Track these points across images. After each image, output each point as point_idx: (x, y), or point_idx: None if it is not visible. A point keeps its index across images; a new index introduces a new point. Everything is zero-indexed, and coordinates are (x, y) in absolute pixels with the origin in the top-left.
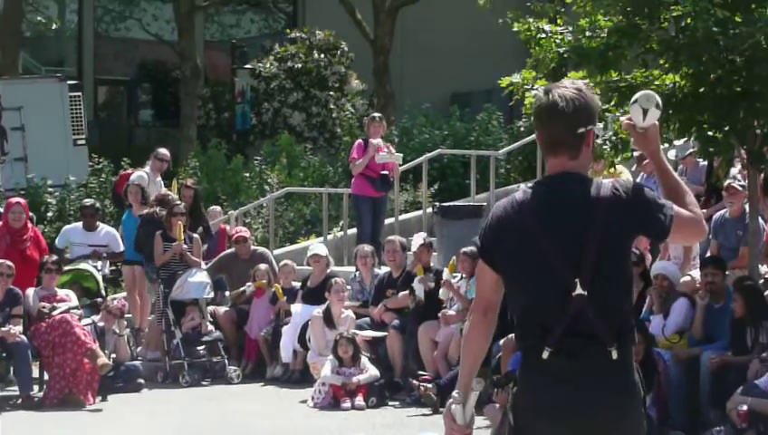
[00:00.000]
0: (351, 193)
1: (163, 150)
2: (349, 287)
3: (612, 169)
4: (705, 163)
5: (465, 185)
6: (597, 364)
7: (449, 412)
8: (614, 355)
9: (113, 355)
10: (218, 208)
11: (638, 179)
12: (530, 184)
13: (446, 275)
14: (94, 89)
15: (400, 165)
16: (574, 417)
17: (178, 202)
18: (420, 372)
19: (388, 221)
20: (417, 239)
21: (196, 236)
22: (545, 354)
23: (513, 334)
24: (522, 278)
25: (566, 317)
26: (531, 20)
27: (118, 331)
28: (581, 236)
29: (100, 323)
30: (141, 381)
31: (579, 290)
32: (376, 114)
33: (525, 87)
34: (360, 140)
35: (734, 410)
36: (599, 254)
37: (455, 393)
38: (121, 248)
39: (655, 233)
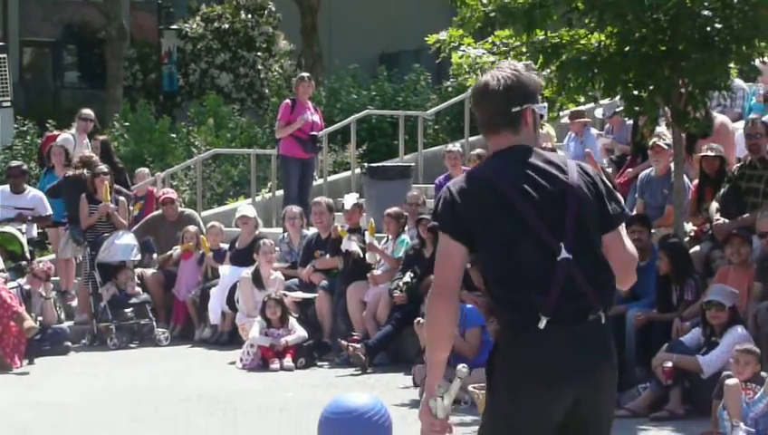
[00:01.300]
0: (279, 154)
1: (86, 111)
2: (277, 249)
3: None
4: (631, 122)
5: (393, 145)
6: (591, 329)
7: (426, 408)
8: (602, 320)
9: (40, 318)
10: (146, 171)
11: (565, 140)
12: (475, 163)
13: (367, 238)
14: (19, 50)
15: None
16: (578, 382)
17: (101, 164)
18: (349, 336)
19: (316, 182)
20: (350, 199)
21: (122, 198)
22: (542, 323)
23: (497, 310)
24: (506, 247)
25: (557, 283)
26: None
27: (44, 294)
28: (560, 202)
29: (27, 287)
30: (68, 344)
31: (564, 254)
32: (304, 74)
33: (452, 45)
34: (287, 101)
35: (659, 366)
36: (577, 219)
37: (436, 387)
38: (48, 211)
39: (607, 225)
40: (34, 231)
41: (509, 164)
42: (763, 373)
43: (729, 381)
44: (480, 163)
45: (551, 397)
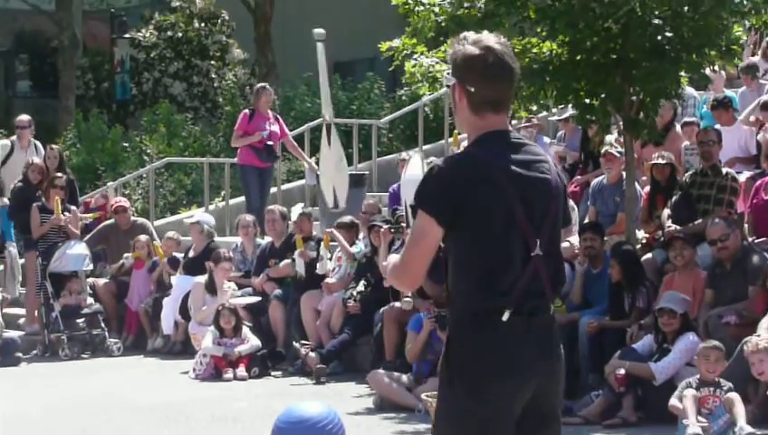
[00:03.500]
0: (238, 163)
1: (21, 117)
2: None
3: None
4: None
5: (347, 154)
6: (546, 321)
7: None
8: (551, 310)
9: None
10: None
11: None
12: (470, 143)
13: (322, 250)
14: None
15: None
16: (540, 373)
17: (58, 175)
18: (303, 342)
19: (271, 191)
20: (297, 209)
21: (73, 207)
22: (506, 316)
23: (456, 300)
24: (491, 237)
25: (526, 278)
26: None
27: None
28: (544, 199)
29: None
30: (20, 354)
31: (537, 250)
32: (264, 84)
33: (405, 53)
34: (246, 111)
35: (612, 373)
36: (553, 217)
37: None
38: None
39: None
40: None
41: (502, 149)
42: (718, 379)
43: (687, 392)
44: (471, 145)
45: (513, 388)
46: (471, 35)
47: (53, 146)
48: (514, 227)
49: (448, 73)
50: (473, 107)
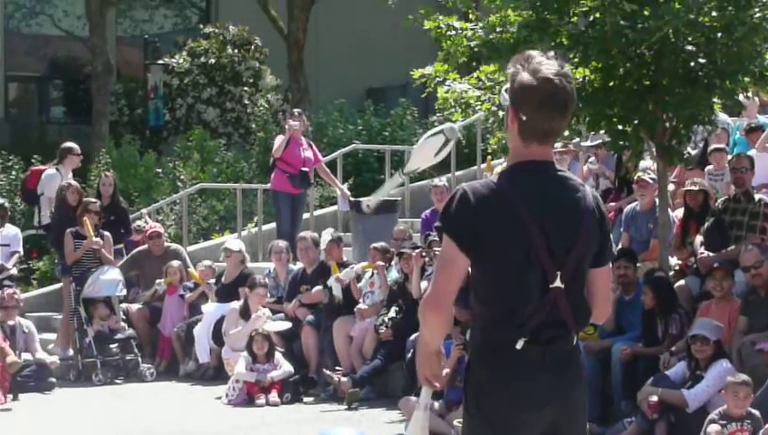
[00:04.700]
0: (270, 189)
1: (73, 144)
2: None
3: None
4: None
5: (379, 180)
6: (565, 350)
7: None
8: (574, 341)
9: (25, 354)
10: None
11: None
12: (503, 169)
13: (331, 280)
14: (5, 85)
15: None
16: (556, 403)
17: (93, 200)
18: (336, 368)
19: (303, 217)
20: (326, 235)
21: (107, 233)
22: (519, 344)
23: (474, 327)
24: (509, 268)
25: (542, 309)
26: (441, 18)
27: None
28: (571, 235)
29: (10, 322)
30: (53, 380)
31: (557, 283)
32: (296, 110)
33: (438, 80)
34: (281, 136)
35: (644, 400)
36: (580, 256)
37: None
38: (18, 250)
39: (600, 260)
40: (10, 266)
41: (531, 180)
42: (750, 410)
43: (711, 428)
44: (501, 173)
45: (530, 420)
46: (535, 58)
47: (108, 173)
48: (533, 259)
49: (506, 90)
50: (522, 134)
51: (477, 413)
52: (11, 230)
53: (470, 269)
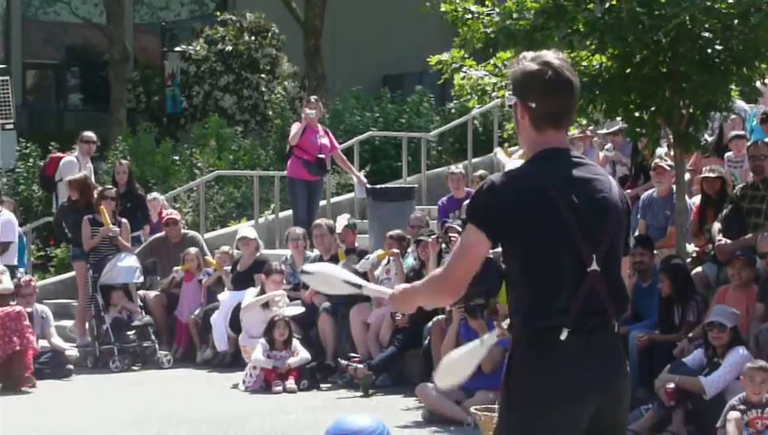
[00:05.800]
0: (287, 176)
1: (89, 133)
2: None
3: None
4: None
5: (396, 167)
6: (608, 339)
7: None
8: (616, 328)
9: (43, 341)
10: (161, 198)
11: None
12: (526, 158)
13: (381, 266)
14: (22, 73)
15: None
16: (600, 392)
17: (109, 187)
18: (352, 354)
19: (320, 204)
20: (341, 221)
21: (124, 220)
22: (563, 335)
23: (515, 318)
24: (544, 252)
25: (581, 294)
26: (458, 1)
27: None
28: (602, 216)
29: (28, 309)
30: (71, 366)
31: (594, 266)
32: (313, 97)
33: (454, 66)
34: (297, 123)
35: (661, 387)
36: (612, 236)
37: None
38: (8, 239)
39: (624, 250)
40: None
41: (558, 166)
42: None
43: (731, 415)
44: (527, 162)
45: (575, 411)
46: (529, 54)
47: (123, 161)
48: (568, 243)
49: (510, 93)
50: (534, 123)
51: (521, 407)
52: (5, 217)
53: (504, 261)
